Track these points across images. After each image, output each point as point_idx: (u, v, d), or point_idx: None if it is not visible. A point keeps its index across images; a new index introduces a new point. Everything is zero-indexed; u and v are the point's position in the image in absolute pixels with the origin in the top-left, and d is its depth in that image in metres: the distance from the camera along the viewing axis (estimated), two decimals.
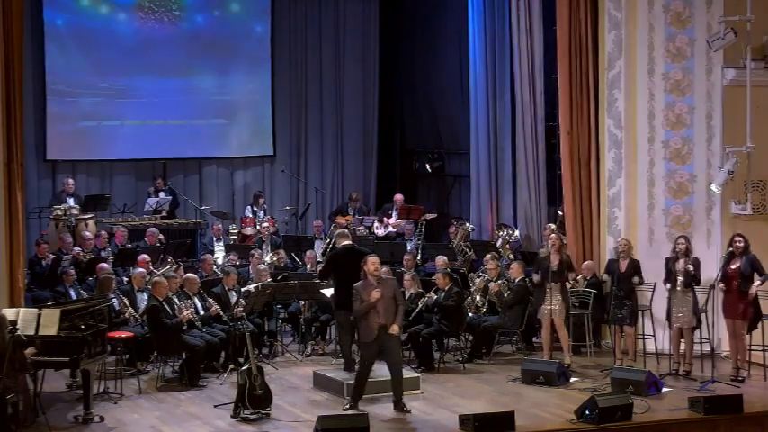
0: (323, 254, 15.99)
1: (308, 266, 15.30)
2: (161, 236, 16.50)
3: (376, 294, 11.00)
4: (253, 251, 15.60)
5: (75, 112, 18.98)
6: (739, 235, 12.41)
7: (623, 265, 12.79)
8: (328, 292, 13.50)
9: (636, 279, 12.73)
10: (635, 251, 13.10)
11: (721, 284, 12.22)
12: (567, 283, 13.04)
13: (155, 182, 18.82)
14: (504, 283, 13.76)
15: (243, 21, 20.13)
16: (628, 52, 13.86)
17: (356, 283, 11.26)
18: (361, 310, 11.10)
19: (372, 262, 11.20)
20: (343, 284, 12.12)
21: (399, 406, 11.12)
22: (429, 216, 18.28)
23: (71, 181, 17.91)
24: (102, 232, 16.43)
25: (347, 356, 12.36)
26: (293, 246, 16.84)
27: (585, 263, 14.01)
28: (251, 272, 14.69)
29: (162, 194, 18.51)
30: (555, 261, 12.86)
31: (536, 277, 12.93)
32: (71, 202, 17.42)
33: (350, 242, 12.81)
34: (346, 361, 12.36)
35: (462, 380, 12.63)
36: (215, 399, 11.69)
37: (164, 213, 18.18)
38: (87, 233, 16.03)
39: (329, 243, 16.17)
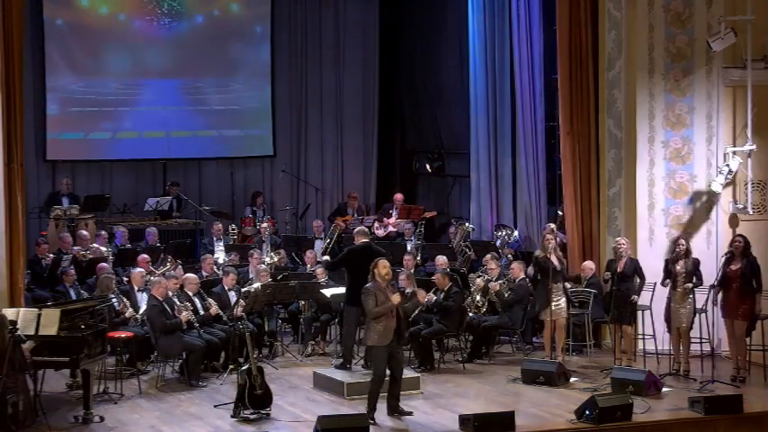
0: (323, 253, 15.97)
1: (308, 266, 15.29)
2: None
3: (396, 298, 10.84)
4: (253, 251, 15.59)
5: (75, 112, 18.98)
6: (740, 235, 12.42)
7: (621, 264, 12.79)
8: (328, 292, 13.51)
9: (638, 281, 12.69)
10: (634, 251, 13.09)
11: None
12: (567, 283, 13.05)
13: (168, 186, 18.82)
14: (504, 283, 13.76)
15: (243, 21, 20.12)
16: (628, 52, 13.85)
17: (367, 284, 10.98)
18: (380, 312, 10.75)
19: (384, 266, 10.96)
20: (357, 281, 12.07)
21: (397, 410, 10.94)
22: (429, 214, 18.26)
23: (66, 180, 17.90)
24: (102, 232, 16.42)
25: (348, 354, 12.36)
26: (293, 246, 16.83)
27: (585, 263, 14.00)
28: (251, 272, 14.68)
29: (174, 202, 18.54)
30: (555, 261, 12.87)
31: (530, 270, 13.01)
32: (65, 202, 17.40)
33: (368, 240, 12.90)
34: (346, 358, 12.35)
35: (462, 380, 12.62)
36: (215, 399, 11.68)
37: (174, 213, 18.19)
38: (83, 232, 16.01)
39: (329, 243, 16.16)
